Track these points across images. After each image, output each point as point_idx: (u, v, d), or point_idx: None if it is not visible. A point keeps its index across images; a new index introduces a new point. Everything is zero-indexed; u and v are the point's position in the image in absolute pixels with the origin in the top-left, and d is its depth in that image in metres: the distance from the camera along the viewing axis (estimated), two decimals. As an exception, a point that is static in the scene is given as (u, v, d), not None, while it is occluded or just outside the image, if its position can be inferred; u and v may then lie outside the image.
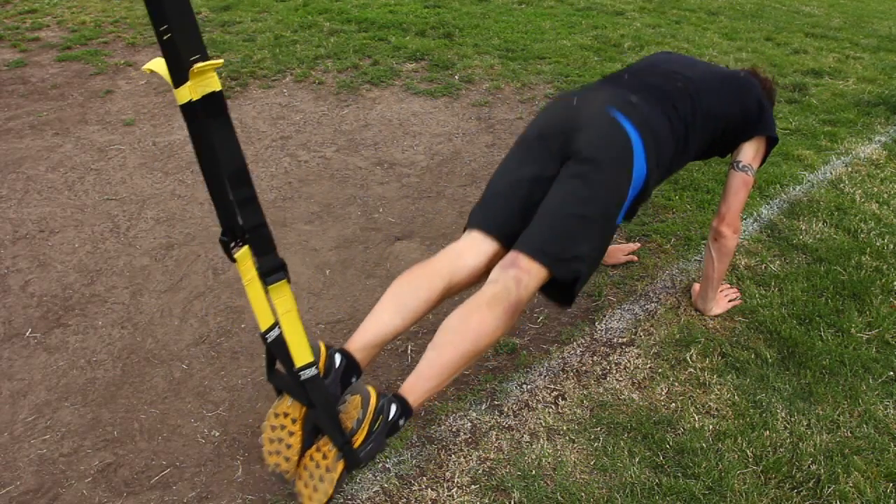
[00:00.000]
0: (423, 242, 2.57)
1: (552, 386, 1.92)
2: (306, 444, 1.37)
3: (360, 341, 1.51)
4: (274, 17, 5.13)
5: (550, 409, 1.84)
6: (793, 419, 1.80)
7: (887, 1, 7.14)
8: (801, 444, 1.72)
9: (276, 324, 1.28)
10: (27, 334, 2.08)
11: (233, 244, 1.21)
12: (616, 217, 1.69)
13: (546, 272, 1.57)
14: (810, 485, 1.61)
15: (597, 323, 2.17)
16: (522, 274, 1.54)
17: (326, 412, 1.31)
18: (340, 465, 1.32)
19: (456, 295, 1.66)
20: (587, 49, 4.70)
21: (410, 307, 1.56)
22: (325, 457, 1.33)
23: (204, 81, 1.03)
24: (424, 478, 1.64)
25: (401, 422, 1.40)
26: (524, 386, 1.92)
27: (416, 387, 1.43)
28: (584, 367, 1.99)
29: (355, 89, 3.92)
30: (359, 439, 1.33)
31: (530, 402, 1.86)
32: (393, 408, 1.38)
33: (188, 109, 1.07)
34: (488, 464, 1.67)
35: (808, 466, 1.66)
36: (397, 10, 5.33)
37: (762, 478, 1.63)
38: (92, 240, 2.53)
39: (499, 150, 3.30)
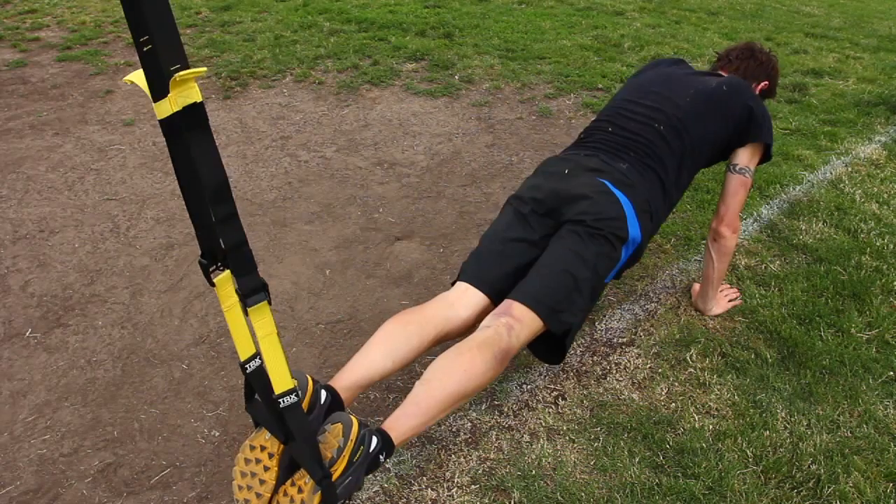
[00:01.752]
0: (423, 242, 2.57)
1: (552, 386, 1.92)
2: (281, 479, 1.32)
3: (348, 380, 1.50)
4: (274, 17, 5.13)
5: (550, 409, 1.84)
6: (793, 419, 1.80)
7: (887, 1, 7.14)
8: (801, 444, 1.72)
9: (256, 354, 1.22)
10: (27, 334, 2.08)
11: (213, 268, 1.15)
12: (607, 277, 1.76)
13: (539, 322, 1.62)
14: (810, 485, 1.61)
15: (597, 323, 2.17)
16: (514, 322, 1.58)
17: (306, 443, 1.26)
18: (317, 499, 1.27)
19: (444, 344, 1.67)
20: (587, 49, 4.70)
21: (401, 352, 1.57)
22: (300, 490, 1.28)
23: (185, 92, 0.99)
24: (424, 478, 1.64)
25: (381, 457, 1.36)
26: (524, 386, 1.92)
27: (399, 423, 1.42)
28: (584, 367, 1.98)
29: (355, 89, 3.92)
30: (338, 470, 1.29)
31: (530, 402, 1.86)
32: (374, 440, 1.35)
33: (168, 125, 1.01)
34: (488, 464, 1.67)
35: (808, 466, 1.66)
36: (397, 10, 5.33)
37: (762, 478, 1.63)
38: (92, 240, 2.53)
39: (499, 150, 3.30)
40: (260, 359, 1.20)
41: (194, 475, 1.65)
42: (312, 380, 1.41)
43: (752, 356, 2.01)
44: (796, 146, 3.36)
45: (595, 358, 2.02)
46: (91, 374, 1.94)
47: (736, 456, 1.68)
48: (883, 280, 2.35)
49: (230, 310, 1.17)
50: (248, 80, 4.00)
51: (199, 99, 1.00)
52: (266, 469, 1.31)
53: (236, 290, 1.15)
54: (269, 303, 1.17)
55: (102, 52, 4.36)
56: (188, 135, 1.02)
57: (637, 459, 1.68)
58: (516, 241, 1.78)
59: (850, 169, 3.18)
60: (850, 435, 1.76)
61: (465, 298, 1.71)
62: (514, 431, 1.77)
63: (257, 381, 1.22)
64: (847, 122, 3.69)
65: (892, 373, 1.96)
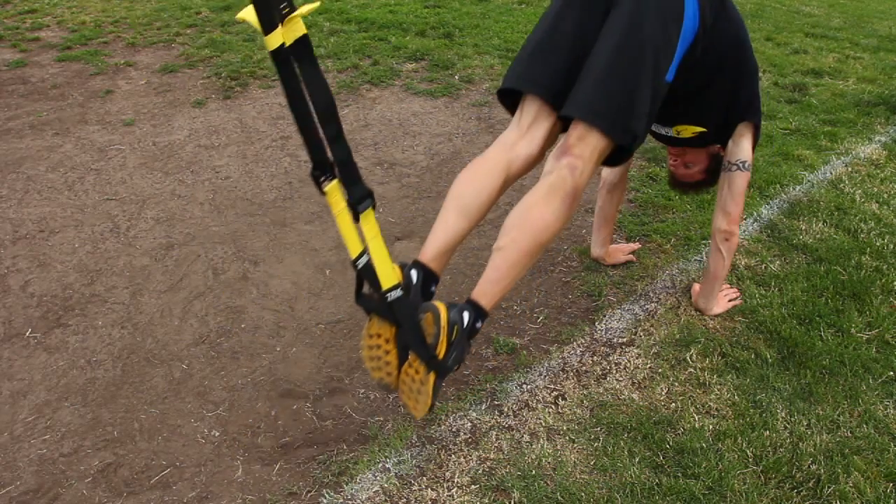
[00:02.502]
0: (423, 242, 2.57)
1: (552, 386, 1.92)
2: (402, 357, 1.47)
3: (432, 250, 1.55)
4: (274, 17, 5.12)
5: (550, 409, 1.84)
6: (793, 419, 1.80)
7: (887, 1, 7.14)
8: (801, 444, 1.72)
9: (364, 251, 1.38)
10: (27, 334, 2.08)
11: (322, 178, 1.31)
12: (666, 73, 1.57)
13: (603, 140, 1.51)
14: (810, 485, 1.61)
15: (597, 323, 2.17)
16: (576, 160, 1.52)
17: (412, 331, 1.40)
18: (432, 377, 1.41)
19: (517, 181, 1.68)
20: (587, 49, 4.70)
21: (474, 207, 1.59)
22: (417, 371, 1.42)
23: (293, 27, 1.15)
24: (424, 478, 1.64)
25: (478, 324, 1.47)
26: (524, 386, 1.92)
27: (486, 290, 1.48)
28: (584, 367, 1.98)
29: (355, 89, 3.92)
30: (441, 351, 1.39)
31: (530, 402, 1.86)
32: (465, 315, 1.44)
33: (277, 54, 1.16)
34: (488, 464, 1.67)
35: (808, 466, 1.66)
36: (397, 10, 5.33)
37: (762, 478, 1.63)
38: (92, 240, 2.53)
39: (499, 150, 3.30)
40: (368, 255, 1.37)
41: (194, 475, 1.65)
42: (399, 265, 1.48)
43: (752, 356, 2.01)
44: (796, 146, 3.36)
45: (595, 358, 2.02)
46: (91, 374, 1.94)
47: (736, 456, 1.68)
48: (883, 280, 2.35)
49: (340, 214, 1.34)
50: (248, 80, 4.00)
51: (305, 31, 1.18)
52: (387, 352, 1.47)
53: (346, 199, 1.33)
54: (374, 208, 1.36)
55: (102, 52, 4.36)
56: (300, 63, 1.20)
57: (637, 459, 1.68)
58: (566, 32, 1.59)
59: (850, 169, 3.18)
60: (850, 435, 1.76)
61: (524, 134, 1.62)
62: (514, 431, 1.77)
63: (367, 274, 1.40)
64: (847, 122, 3.69)
65: (892, 373, 1.96)
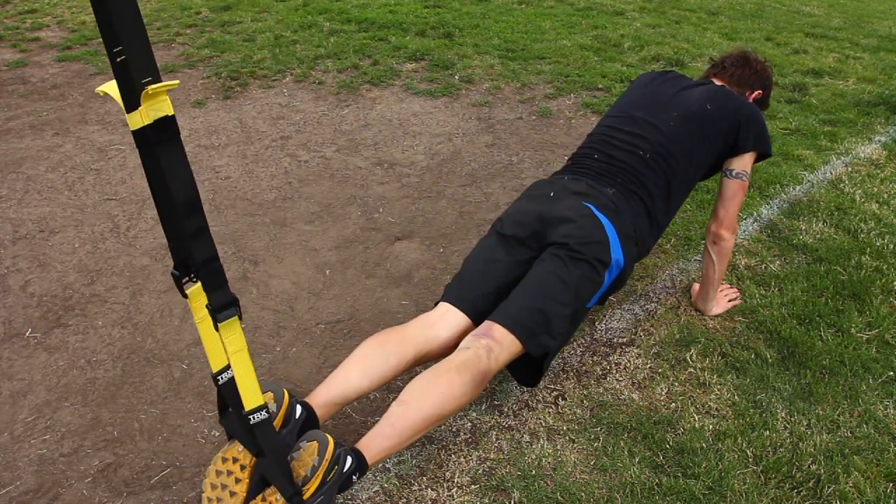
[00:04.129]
0: (423, 242, 2.57)
1: (552, 386, 1.92)
2: (251, 494, 1.32)
3: (324, 397, 1.52)
4: (274, 17, 5.13)
5: (550, 409, 1.84)
6: (793, 419, 1.80)
7: (887, 1, 7.14)
8: (801, 444, 1.72)
9: (228, 366, 1.23)
10: (27, 334, 2.08)
11: (185, 280, 1.16)
12: (589, 302, 1.76)
13: (518, 345, 1.62)
14: (810, 485, 1.61)
15: (597, 323, 2.17)
16: (494, 344, 1.58)
17: (276, 459, 1.26)
18: None
19: (423, 364, 1.68)
20: (587, 49, 4.70)
21: (379, 371, 1.58)
22: None
23: (156, 105, 0.98)
24: (424, 478, 1.64)
25: (354, 477, 1.38)
26: (524, 386, 1.92)
27: (374, 443, 1.43)
28: (584, 367, 1.98)
29: (355, 89, 3.92)
30: (311, 489, 1.29)
31: (530, 402, 1.86)
32: (349, 460, 1.36)
33: (141, 136, 1.00)
34: (488, 464, 1.67)
35: (808, 466, 1.66)
36: (397, 10, 5.33)
37: (762, 478, 1.63)
38: (92, 240, 2.53)
39: (499, 150, 3.30)
40: (231, 372, 1.20)
41: (194, 475, 1.65)
42: (289, 394, 1.43)
43: (752, 356, 2.01)
44: (796, 146, 3.36)
45: (595, 358, 2.02)
46: (91, 374, 1.94)
47: (736, 456, 1.68)
48: (883, 280, 2.35)
49: (202, 322, 1.19)
50: (248, 80, 4.00)
51: (169, 112, 0.99)
52: (238, 481, 1.32)
53: (206, 306, 1.14)
54: (240, 318, 1.17)
55: (102, 52, 4.35)
56: (159, 148, 1.01)
57: (637, 459, 1.68)
58: (497, 263, 1.78)
59: (850, 169, 3.18)
60: (850, 435, 1.76)
61: (445, 319, 1.71)
62: (514, 431, 1.77)
63: (229, 393, 1.23)
64: (847, 122, 3.69)
65: (892, 373, 1.96)
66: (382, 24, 4.98)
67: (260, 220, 2.67)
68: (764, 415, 1.81)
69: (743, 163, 1.98)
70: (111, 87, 0.99)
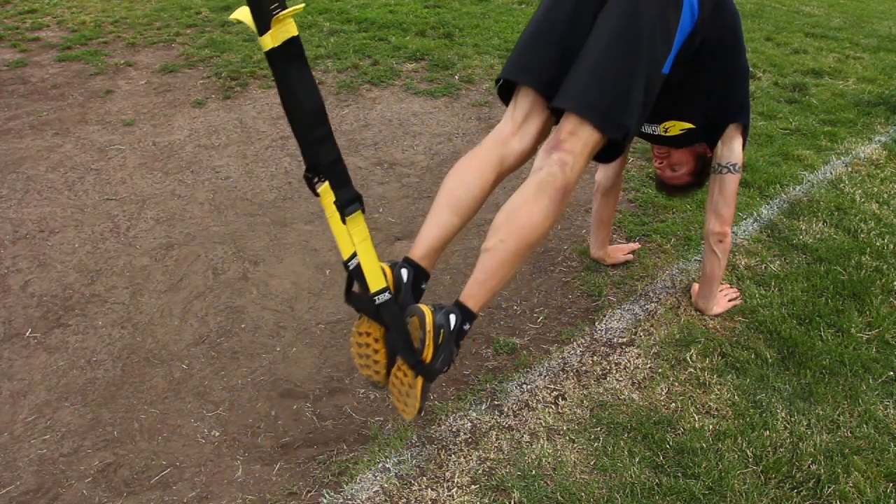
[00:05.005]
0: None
1: (552, 386, 1.92)
2: (390, 359, 1.47)
3: (423, 248, 1.54)
4: (274, 17, 5.12)
5: (550, 409, 1.84)
6: (793, 419, 1.80)
7: (887, 1, 7.14)
8: (801, 444, 1.72)
9: (355, 253, 1.37)
10: (27, 334, 2.08)
11: (316, 179, 1.31)
12: (663, 65, 1.55)
13: (595, 134, 1.48)
14: (810, 485, 1.61)
15: (597, 323, 2.17)
16: (567, 156, 1.48)
17: (399, 336, 1.40)
18: (420, 381, 1.41)
19: (509, 176, 1.66)
20: (587, 49, 4.70)
21: (465, 203, 1.57)
22: (405, 374, 1.42)
23: (283, 28, 1.13)
24: (424, 478, 1.64)
25: (465, 327, 1.45)
26: (524, 386, 1.92)
27: (474, 292, 1.46)
28: (584, 367, 1.98)
29: (355, 89, 3.92)
30: (428, 355, 1.38)
31: (530, 402, 1.86)
32: (451, 318, 1.42)
33: (272, 55, 1.16)
34: (488, 464, 1.67)
35: (808, 466, 1.66)
36: (397, 10, 5.33)
37: (762, 478, 1.63)
38: (92, 240, 2.53)
39: (499, 150, 3.30)
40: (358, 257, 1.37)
41: (194, 475, 1.65)
42: (389, 265, 1.47)
43: (752, 356, 2.01)
44: (796, 146, 3.36)
45: (595, 358, 2.02)
46: (91, 374, 1.94)
47: (736, 456, 1.68)
48: (883, 280, 2.35)
49: (332, 216, 1.34)
50: (248, 80, 4.00)
51: (295, 33, 1.16)
52: (376, 351, 1.47)
53: (334, 202, 1.31)
54: (363, 212, 1.35)
55: (102, 52, 4.36)
56: (289, 65, 1.18)
57: (637, 459, 1.68)
58: (560, 21, 1.56)
59: (850, 169, 3.18)
60: (850, 435, 1.76)
61: (518, 128, 1.61)
62: (514, 431, 1.77)
63: (358, 276, 1.39)
64: (847, 122, 3.69)
65: (892, 373, 1.96)
66: (382, 24, 4.98)
67: (260, 220, 2.67)
68: (764, 415, 1.81)
69: (737, 150, 1.94)
70: (244, 14, 1.13)
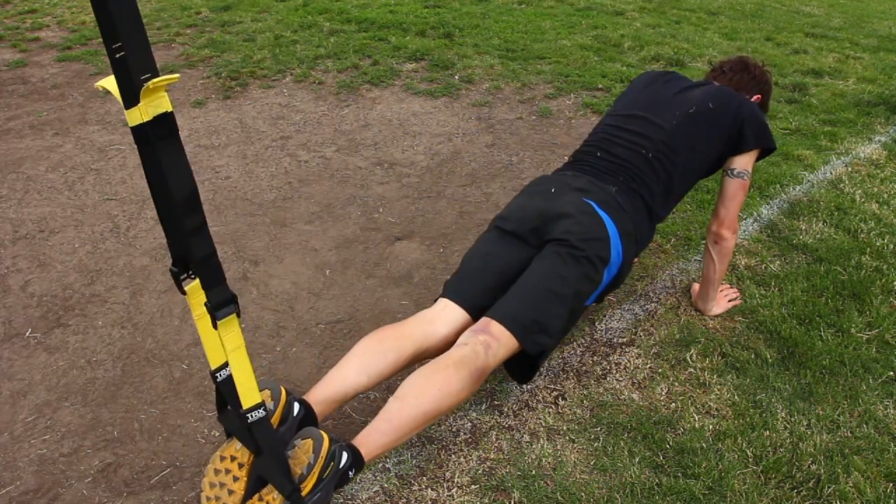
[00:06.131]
0: (423, 242, 2.57)
1: (552, 386, 1.92)
2: (249, 492, 1.32)
3: (322, 394, 1.51)
4: (274, 17, 5.13)
5: (550, 409, 1.84)
6: (793, 419, 1.80)
7: (887, 1, 7.14)
8: (801, 444, 1.72)
9: (226, 363, 1.23)
10: (27, 334, 2.08)
11: (184, 276, 1.15)
12: (587, 300, 1.76)
13: (514, 342, 1.61)
14: (810, 485, 1.61)
15: (597, 323, 2.17)
16: (492, 340, 1.58)
17: (274, 457, 1.27)
18: None
19: (422, 361, 1.67)
20: (587, 49, 4.70)
21: (377, 368, 1.57)
22: None
23: (155, 101, 0.98)
24: (424, 478, 1.64)
25: (350, 472, 1.38)
26: (524, 386, 1.92)
27: (370, 439, 1.42)
28: (584, 367, 1.98)
29: (355, 89, 3.92)
30: (307, 486, 1.29)
31: (530, 402, 1.86)
32: (344, 456, 1.36)
33: (138, 133, 1.00)
34: (488, 464, 1.67)
35: (808, 466, 1.66)
36: (397, 10, 5.33)
37: (762, 478, 1.63)
38: (92, 240, 2.53)
39: (499, 150, 3.30)
40: (229, 369, 1.21)
41: (194, 475, 1.65)
42: (286, 391, 1.42)
43: (752, 356, 2.01)
44: (796, 146, 3.36)
45: (595, 358, 2.02)
46: (91, 374, 1.94)
47: (736, 456, 1.68)
48: (883, 280, 2.35)
49: (200, 318, 1.18)
50: (248, 80, 4.00)
51: (168, 108, 0.99)
52: (235, 479, 1.32)
53: (205, 303, 1.14)
54: (239, 316, 1.17)
55: (102, 52, 4.35)
56: (158, 145, 1.01)
57: (637, 459, 1.68)
58: (497, 258, 1.78)
59: (850, 169, 3.18)
60: (850, 435, 1.76)
61: (444, 315, 1.71)
62: (514, 431, 1.77)
63: (227, 390, 1.23)
64: (847, 122, 3.69)
65: (892, 373, 1.96)
66: (382, 24, 4.98)
67: (260, 220, 2.67)
68: (764, 415, 1.81)
69: (744, 161, 1.98)
70: (110, 83, 0.99)
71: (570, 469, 1.65)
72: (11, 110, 3.56)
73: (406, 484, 1.62)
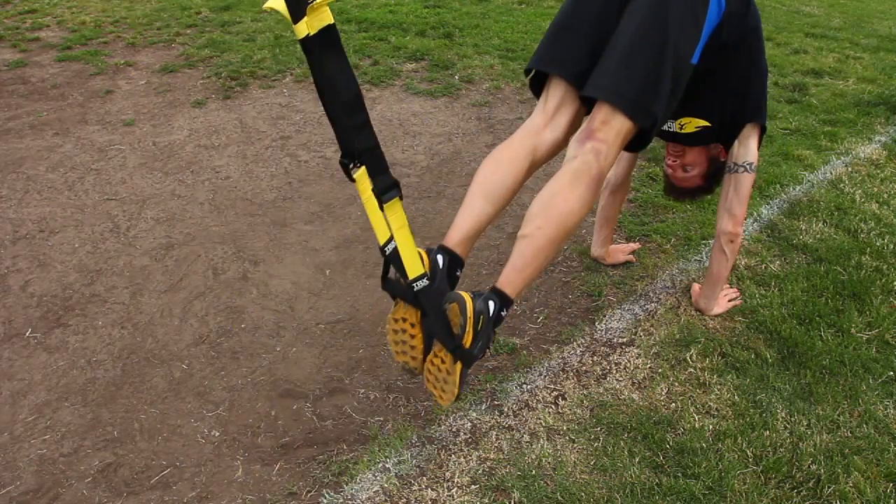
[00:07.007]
0: (423, 242, 2.57)
1: (552, 386, 1.92)
2: (427, 345, 1.47)
3: (457, 235, 1.54)
4: (274, 17, 5.13)
5: (550, 409, 1.84)
6: (793, 419, 1.80)
7: (887, 1, 7.13)
8: (801, 444, 1.72)
9: (390, 238, 1.38)
10: (27, 334, 2.08)
11: (351, 165, 1.33)
12: (691, 56, 1.56)
13: (626, 123, 1.51)
14: (810, 485, 1.61)
15: (597, 323, 2.17)
16: (600, 144, 1.51)
17: (438, 321, 1.39)
18: (459, 366, 1.40)
19: (542, 165, 1.67)
20: (587, 49, 4.70)
21: (499, 193, 1.58)
22: (443, 361, 1.42)
23: (319, 16, 1.16)
24: (424, 478, 1.64)
25: (502, 313, 1.45)
26: (524, 386, 1.92)
27: (511, 279, 1.46)
28: (584, 367, 1.98)
29: (355, 89, 3.92)
30: (468, 340, 1.38)
31: (530, 402, 1.86)
32: (490, 304, 1.43)
33: (306, 43, 1.17)
34: (488, 464, 1.67)
35: (808, 466, 1.66)
36: (397, 10, 5.33)
37: (762, 478, 1.63)
38: (92, 240, 2.53)
39: (499, 150, 3.30)
40: (395, 243, 1.38)
41: (194, 475, 1.65)
42: (425, 251, 1.47)
43: (752, 356, 2.01)
44: (796, 146, 3.36)
45: (595, 358, 2.02)
46: (91, 374, 1.94)
47: (736, 456, 1.68)
48: (883, 280, 2.35)
49: (368, 200, 1.36)
50: (248, 80, 4.00)
51: (331, 21, 1.18)
52: (412, 336, 1.47)
53: (372, 189, 1.34)
54: (401, 198, 1.37)
55: (102, 52, 4.36)
56: (325, 53, 1.20)
57: (637, 459, 1.68)
58: (590, 12, 1.59)
59: (850, 169, 3.18)
60: (850, 435, 1.76)
61: (550, 119, 1.63)
62: (514, 431, 1.77)
63: (394, 262, 1.40)
64: (847, 122, 3.69)
65: (892, 373, 1.96)
66: (382, 24, 4.98)
67: (260, 220, 2.67)
68: (764, 415, 1.81)
69: (753, 149, 1.94)
70: (278, 3, 1.14)
71: (570, 469, 1.65)
72: (11, 110, 3.56)
73: (406, 484, 1.62)
